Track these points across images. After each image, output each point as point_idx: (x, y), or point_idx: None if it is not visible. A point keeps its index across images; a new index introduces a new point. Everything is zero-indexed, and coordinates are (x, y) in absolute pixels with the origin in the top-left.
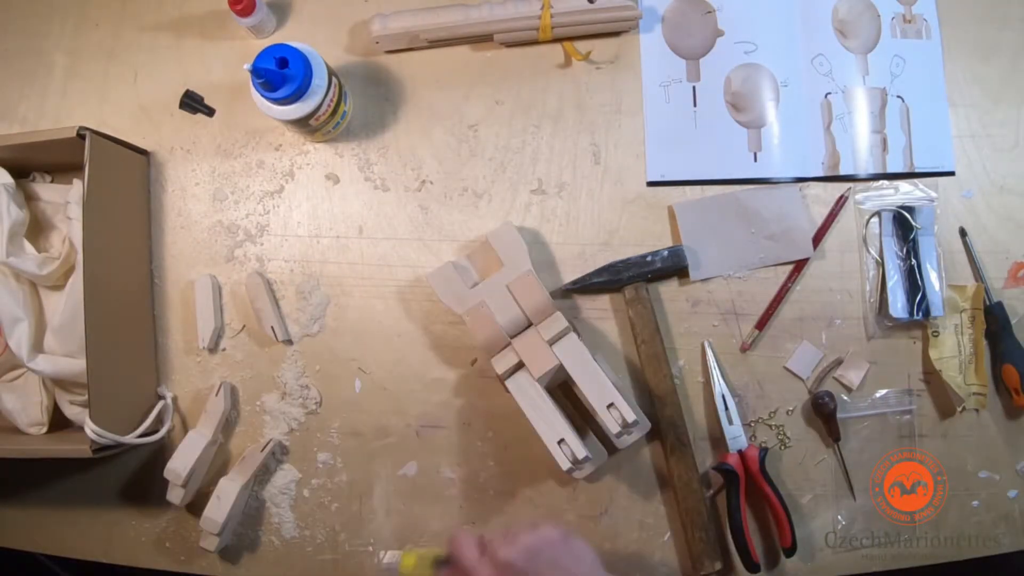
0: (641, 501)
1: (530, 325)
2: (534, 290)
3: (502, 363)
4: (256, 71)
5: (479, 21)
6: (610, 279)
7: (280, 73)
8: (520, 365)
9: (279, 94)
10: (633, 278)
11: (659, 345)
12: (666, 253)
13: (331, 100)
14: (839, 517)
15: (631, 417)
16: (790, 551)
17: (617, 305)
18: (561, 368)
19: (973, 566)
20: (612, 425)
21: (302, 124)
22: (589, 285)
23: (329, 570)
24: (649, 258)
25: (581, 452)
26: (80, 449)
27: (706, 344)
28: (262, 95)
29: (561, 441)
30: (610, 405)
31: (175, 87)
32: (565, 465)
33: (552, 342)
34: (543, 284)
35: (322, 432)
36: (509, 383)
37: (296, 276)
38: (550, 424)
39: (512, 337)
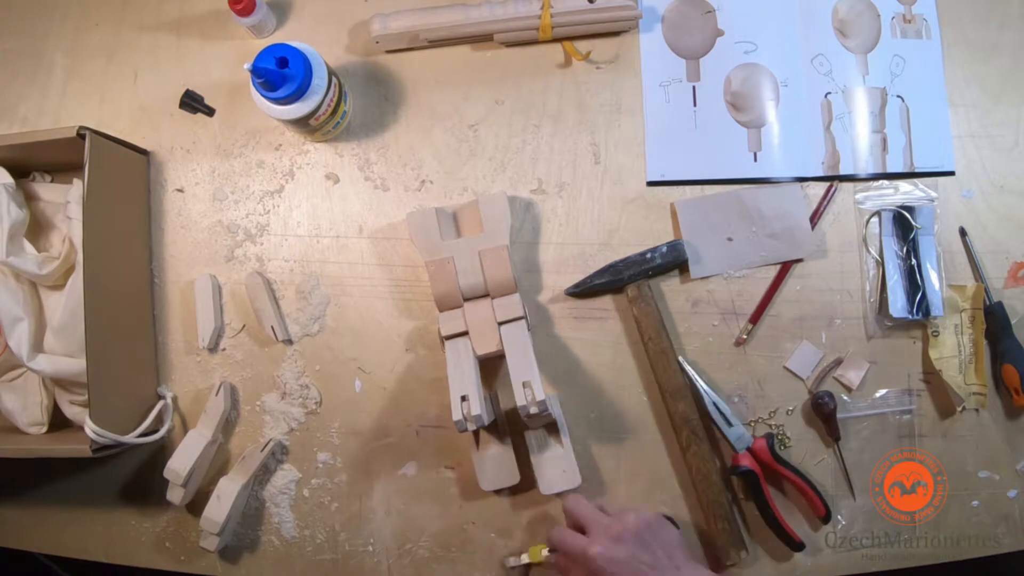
0: (656, 494)
1: (487, 296)
2: (503, 265)
3: (449, 325)
4: (256, 71)
5: (479, 21)
6: (612, 279)
7: (280, 73)
8: (465, 333)
9: (279, 94)
10: (634, 276)
11: (666, 340)
12: (665, 248)
13: (331, 100)
14: (839, 517)
15: (541, 396)
16: (826, 519)
17: (620, 304)
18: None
19: (973, 566)
20: (521, 399)
21: (302, 124)
22: (591, 287)
23: (329, 570)
24: (649, 255)
25: (477, 409)
26: (80, 449)
27: (681, 361)
28: (262, 95)
29: (464, 398)
30: (526, 383)
31: (175, 87)
32: (457, 416)
33: (502, 323)
34: (513, 263)
35: (322, 432)
36: (448, 344)
37: (296, 276)
38: (463, 382)
39: (466, 300)
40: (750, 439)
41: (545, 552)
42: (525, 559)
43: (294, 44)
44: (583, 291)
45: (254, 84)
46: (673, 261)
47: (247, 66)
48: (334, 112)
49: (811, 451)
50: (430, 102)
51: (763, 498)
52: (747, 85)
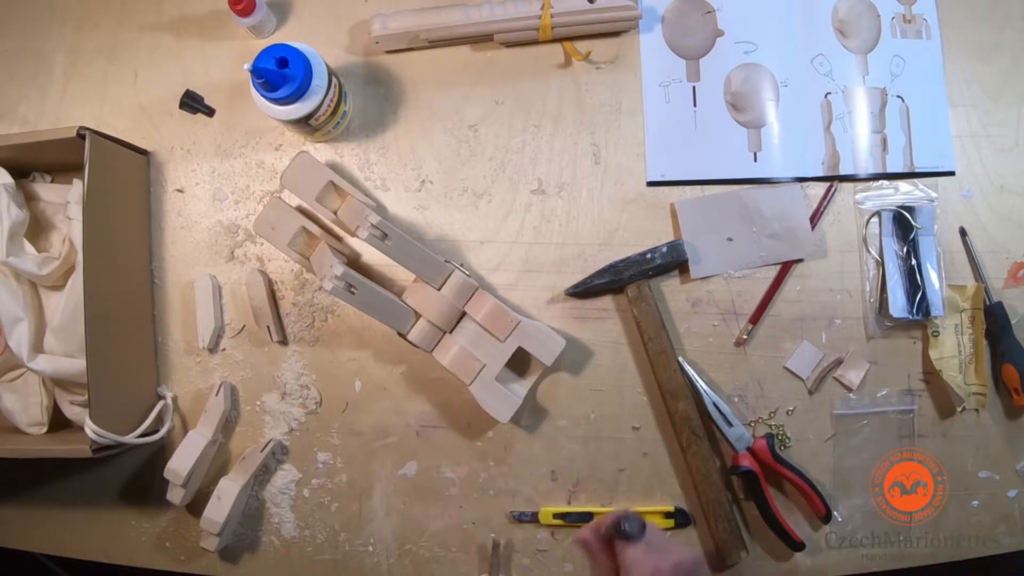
0: (656, 494)
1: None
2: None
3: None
4: (256, 71)
5: (479, 21)
6: (612, 279)
7: (280, 73)
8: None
9: (279, 94)
10: (635, 276)
11: (666, 341)
12: (665, 248)
13: (331, 100)
14: (838, 516)
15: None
16: (826, 518)
17: (620, 305)
18: None
19: (973, 566)
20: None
21: (302, 124)
22: (592, 287)
23: (329, 570)
24: (649, 255)
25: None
26: (80, 449)
27: (681, 361)
28: (262, 95)
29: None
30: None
31: (175, 87)
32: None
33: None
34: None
35: (322, 432)
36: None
37: (296, 276)
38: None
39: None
40: (750, 439)
41: None
42: None
43: (294, 44)
44: (583, 291)
45: (254, 84)
46: (673, 261)
47: (247, 66)
48: (334, 112)
49: (811, 451)
50: (430, 102)
51: (763, 498)
52: (747, 85)
